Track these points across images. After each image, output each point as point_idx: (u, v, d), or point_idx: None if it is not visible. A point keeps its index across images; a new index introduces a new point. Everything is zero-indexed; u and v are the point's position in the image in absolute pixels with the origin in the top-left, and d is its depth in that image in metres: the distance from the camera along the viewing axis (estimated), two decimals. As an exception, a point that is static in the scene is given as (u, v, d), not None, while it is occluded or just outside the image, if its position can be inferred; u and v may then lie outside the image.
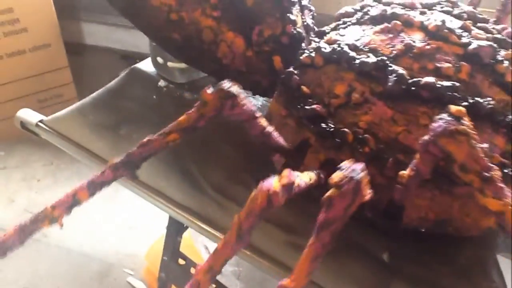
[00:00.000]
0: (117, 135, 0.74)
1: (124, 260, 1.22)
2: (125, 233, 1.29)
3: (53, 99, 1.60)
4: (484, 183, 0.36)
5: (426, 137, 0.40)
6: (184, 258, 1.00)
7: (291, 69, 0.59)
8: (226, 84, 0.47)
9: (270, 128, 0.52)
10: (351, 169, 0.38)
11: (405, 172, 0.42)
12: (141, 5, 0.63)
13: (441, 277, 0.53)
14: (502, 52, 0.56)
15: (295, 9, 0.68)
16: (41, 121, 0.77)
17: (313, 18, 0.75)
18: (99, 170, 0.75)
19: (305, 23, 0.69)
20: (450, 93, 0.50)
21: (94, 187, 0.48)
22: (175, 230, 0.96)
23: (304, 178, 0.46)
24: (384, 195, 0.51)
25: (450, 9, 0.59)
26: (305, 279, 0.39)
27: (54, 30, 1.52)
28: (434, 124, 0.39)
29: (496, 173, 0.36)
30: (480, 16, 0.59)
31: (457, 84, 0.51)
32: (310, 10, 0.72)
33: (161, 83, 0.76)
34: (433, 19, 0.56)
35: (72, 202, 0.47)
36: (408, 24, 0.57)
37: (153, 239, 1.17)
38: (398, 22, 0.56)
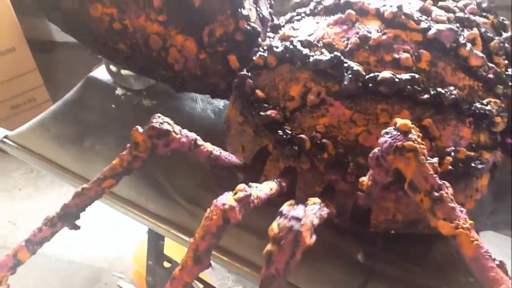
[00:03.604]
0: (81, 148, 0.73)
1: (113, 263, 1.22)
2: (111, 235, 1.28)
3: (26, 104, 1.55)
4: (434, 204, 0.33)
5: (376, 151, 0.37)
6: (170, 260, 0.98)
7: (244, 71, 0.56)
8: (157, 121, 0.44)
9: (216, 151, 0.49)
10: (291, 216, 0.35)
11: (364, 179, 0.39)
12: (81, 18, 0.58)
13: (415, 276, 0.52)
14: (466, 32, 0.52)
15: (248, 1, 0.63)
16: (5, 136, 0.75)
17: (271, 6, 0.71)
18: (67, 183, 0.75)
19: (260, 15, 0.65)
20: (409, 87, 0.47)
21: (33, 245, 0.45)
22: (155, 234, 0.95)
23: (264, 189, 0.43)
24: (349, 200, 0.48)
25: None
26: None
27: (16, 32, 1.46)
28: (381, 139, 0.36)
29: (447, 191, 0.33)
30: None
31: (417, 76, 0.48)
32: (267, -2, 0.68)
33: (119, 91, 0.73)
34: (389, 4, 0.52)
35: (14, 263, 0.45)
36: (363, 13, 0.53)
37: (139, 239, 1.16)
38: (352, 12, 0.53)
